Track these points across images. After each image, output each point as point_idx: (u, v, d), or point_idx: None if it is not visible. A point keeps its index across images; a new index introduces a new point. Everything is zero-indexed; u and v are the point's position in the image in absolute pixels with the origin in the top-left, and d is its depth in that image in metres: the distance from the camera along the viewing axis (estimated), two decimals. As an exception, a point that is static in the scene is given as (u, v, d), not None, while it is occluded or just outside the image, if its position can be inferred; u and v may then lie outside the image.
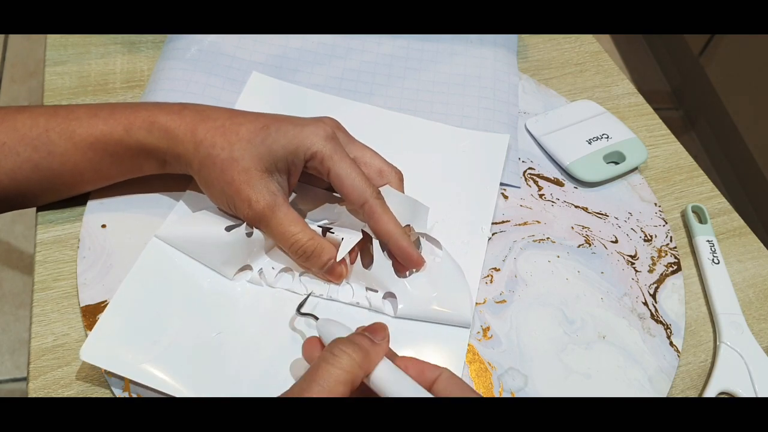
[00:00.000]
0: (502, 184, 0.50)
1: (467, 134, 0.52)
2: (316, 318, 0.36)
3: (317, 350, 0.35)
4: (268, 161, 0.39)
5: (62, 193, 0.42)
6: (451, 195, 0.48)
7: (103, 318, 0.38)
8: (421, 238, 0.43)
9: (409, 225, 0.43)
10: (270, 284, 0.41)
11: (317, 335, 0.35)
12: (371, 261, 0.41)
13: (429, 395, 0.31)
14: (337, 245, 0.41)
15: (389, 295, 0.42)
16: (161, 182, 0.45)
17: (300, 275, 0.42)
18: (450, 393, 0.32)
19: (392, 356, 0.34)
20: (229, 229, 0.41)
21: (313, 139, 0.39)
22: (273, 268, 0.42)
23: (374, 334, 0.33)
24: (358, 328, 0.34)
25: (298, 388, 0.30)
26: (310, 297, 0.40)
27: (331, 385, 0.30)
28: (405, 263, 0.42)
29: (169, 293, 0.40)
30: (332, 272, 0.41)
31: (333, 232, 0.42)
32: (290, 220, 0.40)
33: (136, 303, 0.39)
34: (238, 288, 0.41)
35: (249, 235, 0.41)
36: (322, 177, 0.41)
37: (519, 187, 0.50)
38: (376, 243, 0.41)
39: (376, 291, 0.42)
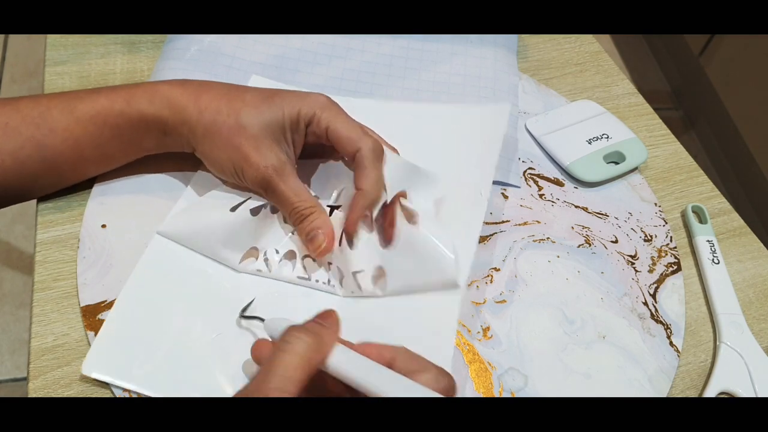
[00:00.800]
0: (502, 183, 0.50)
1: (466, 109, 0.52)
2: (262, 320, 0.36)
3: (268, 350, 0.34)
4: (276, 129, 0.40)
5: (64, 175, 0.42)
6: (451, 162, 0.47)
7: (103, 330, 0.38)
8: (403, 203, 0.42)
9: (404, 191, 0.43)
10: (275, 274, 0.41)
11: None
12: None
13: (388, 371, 0.31)
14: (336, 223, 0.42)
15: (377, 275, 0.41)
16: (161, 182, 0.45)
17: (302, 258, 0.42)
18: (409, 369, 0.31)
19: (349, 346, 0.34)
20: (234, 209, 0.41)
21: (313, 105, 0.41)
22: (277, 251, 0.42)
23: (323, 320, 0.33)
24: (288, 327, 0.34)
25: (255, 382, 0.30)
26: (253, 301, 0.40)
27: (289, 372, 0.29)
28: (349, 218, 0.42)
29: (169, 297, 0.40)
30: (313, 240, 0.40)
31: (340, 210, 0.43)
32: (296, 185, 0.41)
33: (136, 311, 0.39)
34: (240, 288, 0.41)
35: (255, 212, 0.41)
36: (321, 140, 0.42)
37: (519, 187, 0.50)
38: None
39: (363, 270, 0.41)
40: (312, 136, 0.42)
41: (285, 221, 0.43)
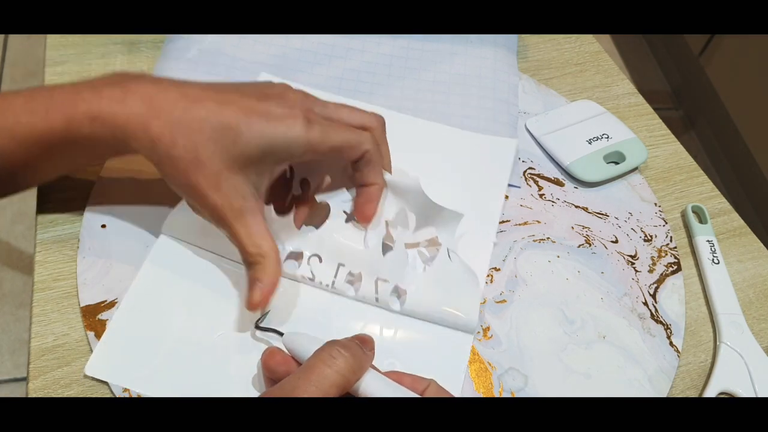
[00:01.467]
0: None
1: (472, 137, 0.52)
2: (281, 333, 0.36)
3: (283, 363, 0.34)
4: (242, 163, 0.35)
5: (18, 183, 0.39)
6: (455, 199, 0.45)
7: (107, 331, 0.38)
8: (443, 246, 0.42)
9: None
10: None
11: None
12: (388, 248, 0.41)
13: (419, 397, 0.31)
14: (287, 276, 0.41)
15: (397, 290, 0.41)
16: (162, 182, 0.45)
17: (309, 257, 0.41)
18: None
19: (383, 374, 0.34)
20: None
21: (292, 136, 0.36)
22: (283, 248, 0.41)
23: (364, 344, 0.33)
24: (328, 341, 0.33)
25: (290, 385, 0.30)
26: (268, 313, 0.39)
27: (326, 387, 0.30)
28: (360, 214, 0.41)
29: (174, 297, 0.40)
30: (250, 290, 0.37)
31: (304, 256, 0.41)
32: (253, 227, 0.36)
33: (141, 311, 0.39)
34: (242, 287, 0.41)
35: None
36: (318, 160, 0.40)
37: (519, 187, 0.50)
38: (397, 232, 0.42)
39: (387, 281, 0.41)
40: (303, 162, 0.40)
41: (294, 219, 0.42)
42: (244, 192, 0.36)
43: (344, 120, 0.39)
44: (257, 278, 0.37)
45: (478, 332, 0.42)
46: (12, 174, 0.37)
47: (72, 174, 0.45)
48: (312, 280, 0.41)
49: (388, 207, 0.42)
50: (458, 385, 0.39)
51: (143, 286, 0.40)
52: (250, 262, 0.37)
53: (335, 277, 0.41)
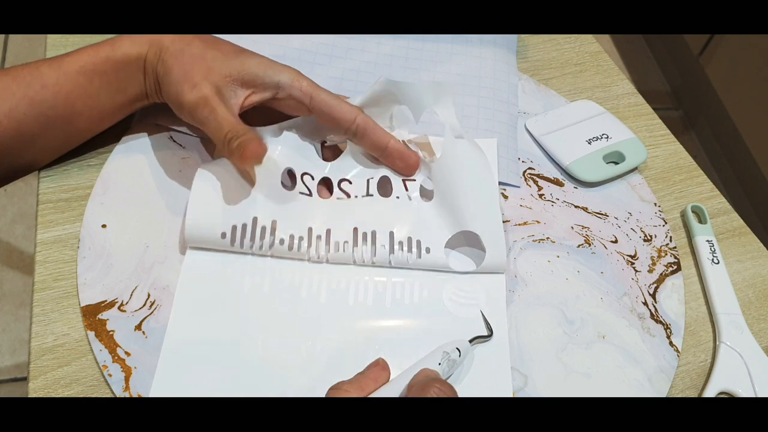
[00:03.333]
0: (501, 183, 0.50)
1: (450, 144, 0.47)
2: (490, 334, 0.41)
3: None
4: (236, 72, 0.42)
5: (58, 133, 0.43)
6: (451, 211, 0.45)
7: (162, 360, 0.38)
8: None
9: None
10: (315, 198, 0.44)
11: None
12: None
13: None
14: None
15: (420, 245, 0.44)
16: (162, 182, 0.45)
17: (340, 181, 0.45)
18: None
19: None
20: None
21: (287, 70, 0.43)
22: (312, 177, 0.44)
23: (443, 386, 0.34)
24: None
25: None
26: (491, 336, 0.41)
27: None
28: (404, 166, 0.45)
29: (217, 313, 0.40)
30: (244, 147, 0.40)
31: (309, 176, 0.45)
32: (229, 113, 0.41)
33: (190, 333, 0.39)
34: (275, 289, 0.41)
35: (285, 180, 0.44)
36: (302, 106, 0.43)
37: (519, 187, 0.50)
38: (402, 132, 0.46)
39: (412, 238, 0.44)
40: (291, 101, 0.43)
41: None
42: (224, 93, 0.41)
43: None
44: (247, 140, 0.40)
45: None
46: (56, 110, 0.41)
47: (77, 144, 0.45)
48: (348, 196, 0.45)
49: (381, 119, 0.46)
50: (504, 326, 0.41)
51: (183, 309, 0.40)
52: (230, 137, 0.40)
53: (367, 190, 0.45)
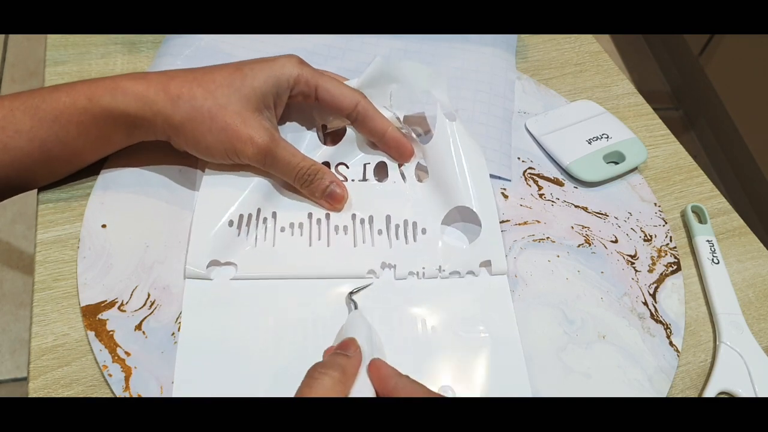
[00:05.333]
0: (493, 176, 0.49)
1: (443, 124, 0.47)
2: (356, 306, 0.40)
3: (386, 371, 0.34)
4: (255, 100, 0.41)
5: (35, 177, 0.42)
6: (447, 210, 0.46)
7: (177, 367, 0.37)
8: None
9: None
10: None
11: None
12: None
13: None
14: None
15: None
16: (162, 182, 0.45)
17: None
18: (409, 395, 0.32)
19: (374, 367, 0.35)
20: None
21: (290, 68, 0.42)
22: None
23: (346, 350, 0.34)
24: (327, 349, 0.36)
25: None
26: (370, 286, 0.42)
27: None
28: (399, 155, 0.47)
29: (226, 331, 0.40)
30: (333, 196, 0.44)
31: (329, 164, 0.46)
32: (292, 151, 0.42)
33: (201, 342, 0.39)
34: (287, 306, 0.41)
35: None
36: (309, 98, 0.43)
37: (510, 180, 0.50)
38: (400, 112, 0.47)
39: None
40: (298, 95, 0.43)
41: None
42: (266, 125, 0.41)
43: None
44: (329, 180, 0.43)
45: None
46: (31, 156, 0.40)
47: (73, 171, 0.45)
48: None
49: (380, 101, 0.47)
50: (513, 327, 0.42)
51: (191, 333, 0.39)
52: (309, 174, 0.43)
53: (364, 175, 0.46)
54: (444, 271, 0.43)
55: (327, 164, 0.46)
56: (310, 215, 0.44)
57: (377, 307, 0.41)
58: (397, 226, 0.45)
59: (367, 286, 0.42)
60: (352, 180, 0.46)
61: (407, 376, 0.33)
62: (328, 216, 0.45)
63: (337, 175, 0.45)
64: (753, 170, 1.41)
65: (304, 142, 0.46)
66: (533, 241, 0.47)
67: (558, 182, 0.51)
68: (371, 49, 0.57)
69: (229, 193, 0.43)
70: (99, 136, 0.41)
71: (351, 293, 0.41)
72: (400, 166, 0.47)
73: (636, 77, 1.76)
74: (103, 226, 0.43)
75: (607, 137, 0.54)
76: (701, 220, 0.51)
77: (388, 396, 0.32)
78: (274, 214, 0.44)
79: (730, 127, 1.47)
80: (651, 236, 0.49)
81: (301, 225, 0.44)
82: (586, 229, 0.49)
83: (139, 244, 0.42)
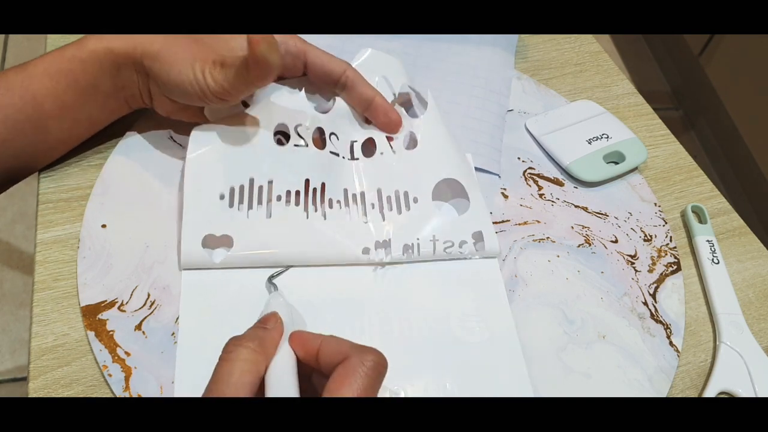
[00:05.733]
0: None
1: (434, 103, 0.50)
2: (276, 288, 0.40)
3: (309, 339, 0.34)
4: (239, 48, 0.43)
5: (30, 136, 0.42)
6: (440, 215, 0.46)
7: (177, 367, 0.37)
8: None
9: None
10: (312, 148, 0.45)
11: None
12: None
13: (293, 395, 0.31)
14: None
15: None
16: (162, 182, 0.45)
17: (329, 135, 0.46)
18: (332, 358, 0.31)
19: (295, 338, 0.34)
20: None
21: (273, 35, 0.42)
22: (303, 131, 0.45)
23: (265, 323, 0.34)
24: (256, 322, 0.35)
25: (206, 391, 0.30)
26: (288, 270, 0.42)
27: (235, 377, 0.30)
28: (386, 124, 0.47)
29: (226, 324, 0.39)
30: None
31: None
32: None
33: (200, 338, 0.39)
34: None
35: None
36: (297, 61, 0.45)
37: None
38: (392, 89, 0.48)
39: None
40: (288, 58, 0.44)
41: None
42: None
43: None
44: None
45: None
46: (24, 112, 0.40)
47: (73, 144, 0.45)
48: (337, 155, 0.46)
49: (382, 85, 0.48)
50: (506, 313, 0.42)
51: (190, 326, 0.39)
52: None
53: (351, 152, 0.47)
54: (438, 240, 0.43)
55: (321, 130, 0.46)
56: (307, 182, 0.44)
57: (367, 298, 0.41)
58: (388, 198, 0.45)
59: (286, 269, 0.42)
60: (343, 157, 0.46)
61: (331, 335, 0.33)
62: (323, 186, 0.44)
63: (331, 145, 0.46)
64: (753, 170, 1.41)
65: (296, 111, 0.46)
66: (533, 241, 0.47)
67: (558, 182, 0.51)
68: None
69: (217, 160, 0.43)
70: (87, 85, 0.42)
71: (271, 277, 0.41)
72: (389, 140, 0.48)
73: (636, 77, 1.77)
74: (103, 226, 0.43)
75: (607, 137, 0.54)
76: (701, 220, 0.51)
77: (314, 359, 0.32)
78: (270, 183, 0.43)
79: (730, 127, 1.47)
80: (651, 236, 0.49)
81: (297, 193, 0.43)
82: (586, 229, 0.49)
83: (139, 244, 0.42)
